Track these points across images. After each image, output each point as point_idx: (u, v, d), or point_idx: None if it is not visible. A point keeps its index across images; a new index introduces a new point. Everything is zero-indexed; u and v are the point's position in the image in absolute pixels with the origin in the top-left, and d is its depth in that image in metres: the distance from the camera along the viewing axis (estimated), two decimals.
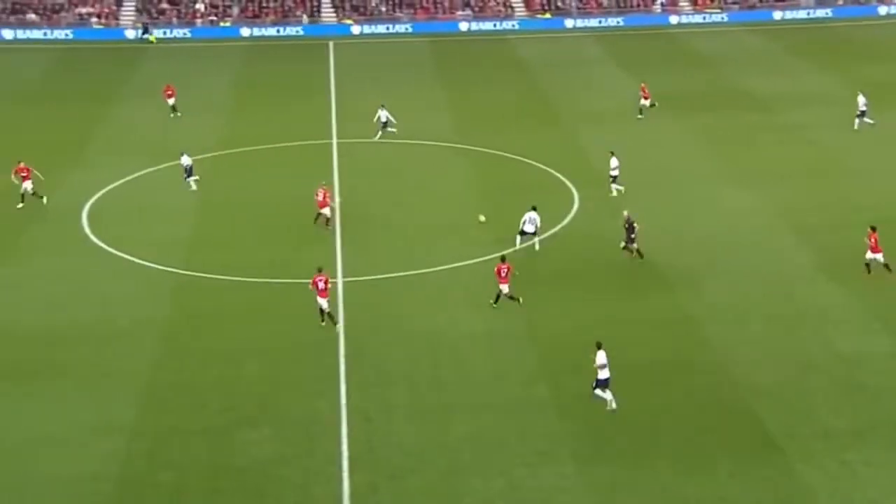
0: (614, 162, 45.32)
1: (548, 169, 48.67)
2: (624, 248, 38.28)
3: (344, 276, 37.73)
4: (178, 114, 58.92)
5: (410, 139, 54.48)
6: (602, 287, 36.71)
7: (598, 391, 29.08)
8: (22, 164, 45.21)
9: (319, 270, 34.01)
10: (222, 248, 40.50)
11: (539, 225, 39.33)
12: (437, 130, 56.10)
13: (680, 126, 56.30)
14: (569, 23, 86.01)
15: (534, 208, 39.50)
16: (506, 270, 34.69)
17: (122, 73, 70.82)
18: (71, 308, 35.62)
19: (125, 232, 42.15)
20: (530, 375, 30.91)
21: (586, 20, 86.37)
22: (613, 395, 29.04)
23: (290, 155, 52.23)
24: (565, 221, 42.65)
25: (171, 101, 59.29)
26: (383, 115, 54.37)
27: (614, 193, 45.18)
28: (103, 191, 46.91)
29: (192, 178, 46.82)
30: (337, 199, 45.00)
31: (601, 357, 28.92)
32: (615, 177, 45.32)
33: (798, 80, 65.51)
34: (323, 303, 33.60)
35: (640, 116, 56.99)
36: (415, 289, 36.61)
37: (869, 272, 36.42)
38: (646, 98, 57.56)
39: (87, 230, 42.50)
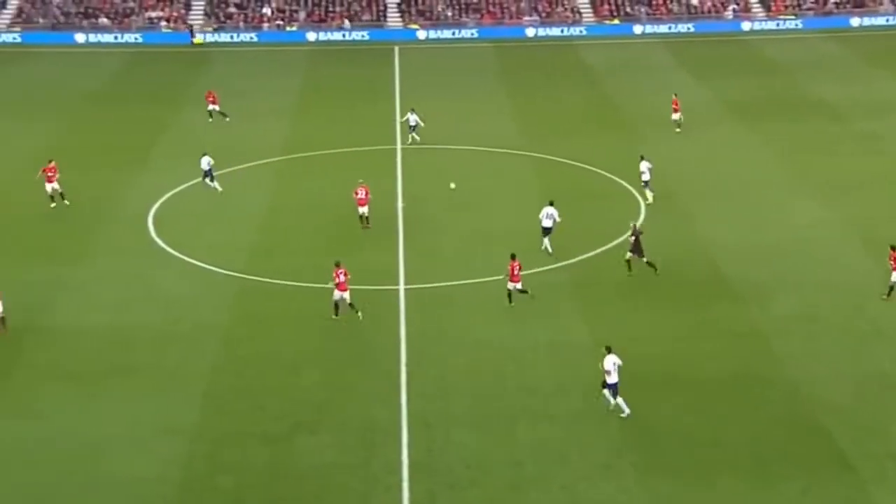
0: (644, 166, 44.78)
1: (613, 177, 48.05)
2: (646, 262, 37.43)
3: (406, 284, 37.54)
4: (211, 119, 59.17)
5: (475, 145, 54.21)
6: (667, 299, 36.07)
7: (606, 391, 28.91)
8: (52, 164, 45.62)
9: (338, 265, 34.22)
10: (285, 253, 40.55)
11: (557, 220, 38.98)
12: (502, 137, 55.76)
13: (751, 134, 55.39)
14: (638, 29, 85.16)
15: (551, 203, 39.24)
16: (518, 268, 35.01)
17: (189, 77, 71.52)
18: (136, 310, 35.87)
19: (189, 235, 42.41)
20: (593, 387, 30.23)
21: (656, 26, 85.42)
22: (624, 400, 28.88)
23: (354, 160, 52.20)
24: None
25: (212, 108, 59.51)
26: (412, 118, 54.29)
27: (650, 200, 44.65)
28: (169, 194, 47.28)
29: (214, 182, 47.01)
30: (400, 204, 44.93)
31: (608, 362, 28.66)
32: (647, 181, 44.72)
33: (874, 89, 64.08)
34: (344, 295, 34.11)
35: (678, 130, 55.44)
36: (477, 297, 36.28)
37: (888, 294, 35.19)
38: (676, 111, 56.01)
39: (153, 233, 42.82)
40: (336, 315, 34.54)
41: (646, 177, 44.72)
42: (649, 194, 44.81)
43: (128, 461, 27.21)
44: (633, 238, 37.35)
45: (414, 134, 54.20)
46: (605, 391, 28.98)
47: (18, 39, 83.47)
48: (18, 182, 47.21)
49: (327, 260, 39.02)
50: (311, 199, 46.49)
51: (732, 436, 27.86)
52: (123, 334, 34.04)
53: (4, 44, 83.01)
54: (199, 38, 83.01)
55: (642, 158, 45.19)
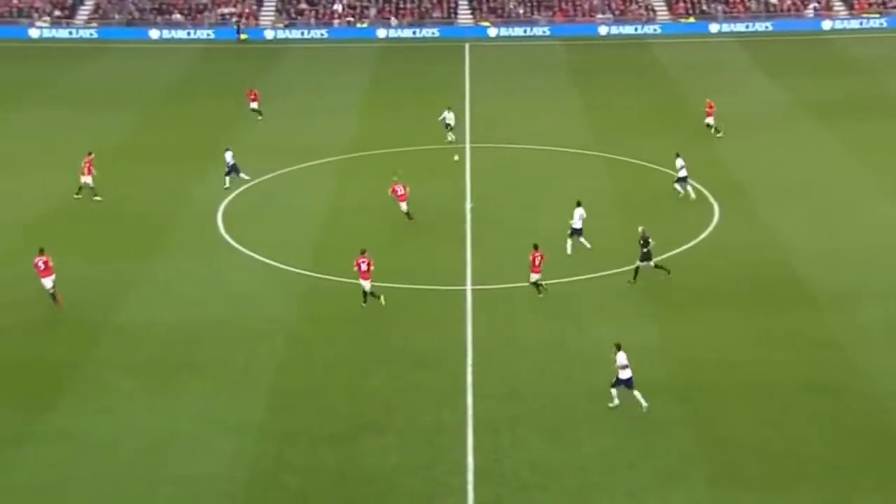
0: (680, 163, 44.52)
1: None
2: (649, 265, 36.63)
3: (473, 284, 37.18)
4: (260, 117, 59.30)
5: (546, 145, 53.68)
6: (742, 304, 35.27)
7: (614, 390, 28.86)
8: (91, 157, 46.29)
9: (362, 252, 34.70)
10: (352, 251, 40.16)
11: (584, 218, 39.16)
12: (573, 137, 55.17)
13: (832, 135, 54.25)
14: (714, 27, 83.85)
15: (579, 203, 39.25)
16: (539, 259, 34.83)
17: (260, 73, 71.90)
18: (205, 307, 36.01)
19: (258, 232, 42.51)
20: (662, 393, 29.79)
21: (732, 24, 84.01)
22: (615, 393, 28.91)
23: (422, 158, 51.99)
24: (704, 235, 41.28)
25: (254, 105, 59.62)
26: (449, 116, 53.86)
27: (682, 194, 44.54)
28: (238, 190, 47.44)
29: (238, 175, 47.16)
30: (468, 203, 44.65)
31: (622, 358, 28.49)
32: (683, 178, 44.47)
33: None
34: (366, 284, 34.67)
35: (719, 135, 53.69)
36: (545, 299, 35.78)
37: None
38: (710, 115, 54.45)
39: (222, 230, 43.00)
40: (382, 300, 35.20)
41: (683, 173, 44.52)
42: (680, 189, 44.69)
43: (195, 458, 27.26)
44: (645, 245, 36.53)
45: (450, 133, 53.69)
46: (614, 390, 28.90)
47: (95, 35, 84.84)
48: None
49: (395, 260, 39.11)
50: (378, 197, 46.19)
51: (808, 447, 27.12)
52: (193, 331, 34.16)
53: (81, 39, 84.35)
54: (244, 35, 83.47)
55: (677, 156, 44.94)
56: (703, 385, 30.19)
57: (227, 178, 47.32)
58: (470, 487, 25.74)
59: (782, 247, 39.85)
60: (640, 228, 37.02)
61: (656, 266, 36.72)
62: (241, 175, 47.51)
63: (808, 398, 29.40)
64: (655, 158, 50.47)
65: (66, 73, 73.35)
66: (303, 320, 34.95)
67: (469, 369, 31.31)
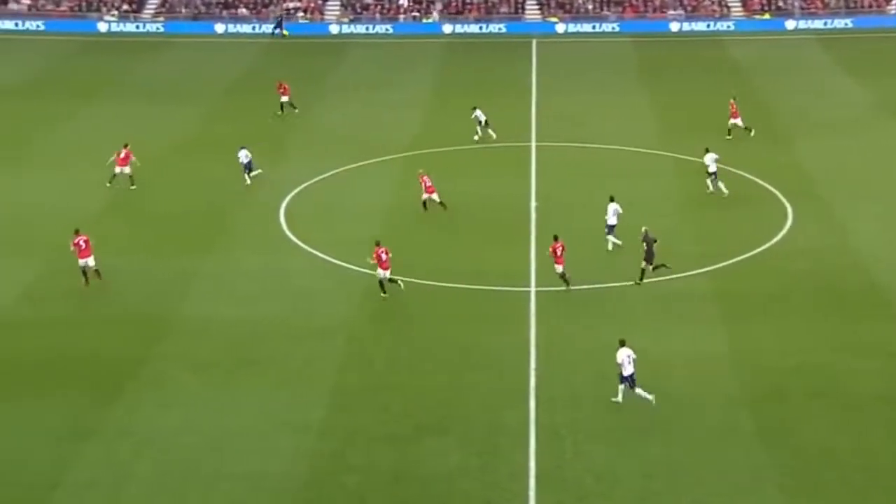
0: (709, 158, 43.88)
1: (759, 181, 46.16)
2: (649, 268, 35.83)
3: (537, 286, 36.55)
4: (296, 110, 58.80)
5: (614, 144, 52.81)
6: (816, 310, 34.36)
7: (622, 386, 28.60)
8: (128, 148, 46.77)
9: (378, 244, 35.17)
10: (413, 251, 39.79)
11: (620, 213, 38.62)
12: (641, 136, 54.21)
13: None
14: (790, 24, 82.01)
15: (612, 199, 38.78)
16: (560, 249, 34.97)
17: (325, 68, 71.82)
18: (267, 304, 35.85)
19: (320, 229, 42.29)
20: (731, 401, 29.13)
21: (810, 21, 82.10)
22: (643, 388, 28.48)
23: (486, 156, 51.41)
24: (777, 238, 40.25)
25: (284, 99, 59.12)
26: (480, 115, 53.13)
27: (713, 190, 43.98)
28: (301, 187, 47.25)
29: (253, 174, 46.96)
30: (533, 203, 44.05)
31: (621, 355, 28.18)
32: (714, 174, 43.83)
33: None
34: (386, 273, 35.22)
35: (728, 137, 52.23)
36: (611, 302, 35.18)
37: None
38: (735, 117, 52.78)
39: (285, 226, 42.83)
40: (385, 293, 35.28)
41: (712, 169, 43.84)
42: (723, 187, 44.01)
43: (255, 455, 27.10)
44: (647, 246, 35.69)
45: (489, 130, 52.90)
46: (622, 385, 28.47)
47: (161, 29, 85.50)
48: (156, 170, 47.92)
49: (459, 259, 38.80)
50: (442, 196, 45.68)
51: (882, 457, 26.32)
52: (254, 327, 34.03)
53: (148, 33, 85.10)
54: (286, 31, 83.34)
55: (707, 151, 44.25)
56: (774, 393, 29.43)
57: (247, 176, 47.01)
58: (531, 493, 25.30)
59: (858, 251, 38.78)
60: (643, 229, 36.31)
61: (654, 268, 35.90)
62: (246, 176, 47.01)
63: (882, 407, 28.58)
64: (728, 160, 48.97)
65: (133, 67, 73.71)
66: (364, 319, 34.70)
67: (532, 372, 30.81)
